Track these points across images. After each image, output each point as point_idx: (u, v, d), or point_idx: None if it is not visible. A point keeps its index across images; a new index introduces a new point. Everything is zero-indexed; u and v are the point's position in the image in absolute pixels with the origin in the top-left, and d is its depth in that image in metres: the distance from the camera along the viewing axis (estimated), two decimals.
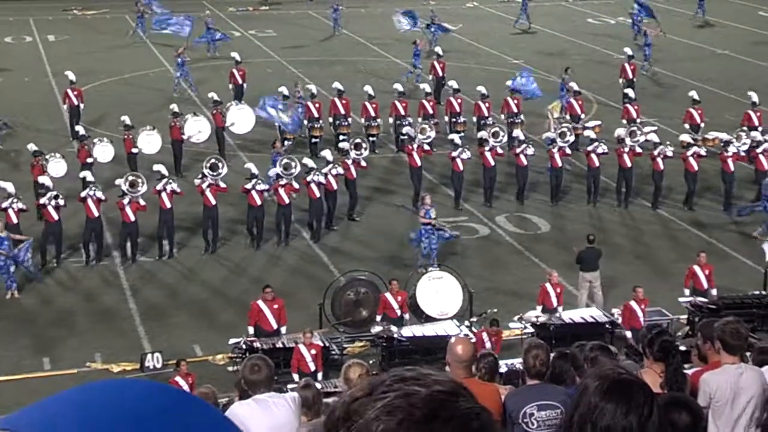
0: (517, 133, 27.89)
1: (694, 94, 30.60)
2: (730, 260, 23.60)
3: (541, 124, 30.73)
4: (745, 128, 28.31)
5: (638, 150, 26.70)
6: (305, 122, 29.76)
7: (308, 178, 24.47)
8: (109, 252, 23.92)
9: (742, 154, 26.90)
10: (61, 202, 23.03)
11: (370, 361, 16.44)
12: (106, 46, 43.78)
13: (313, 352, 17.98)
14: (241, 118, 30.67)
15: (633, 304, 19.20)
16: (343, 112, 29.99)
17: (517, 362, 13.98)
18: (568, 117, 30.53)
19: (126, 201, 23.09)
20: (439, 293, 20.73)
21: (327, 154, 25.62)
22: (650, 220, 26.24)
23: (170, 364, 18.17)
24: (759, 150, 26.99)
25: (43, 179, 24.00)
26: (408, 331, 19.22)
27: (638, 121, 29.62)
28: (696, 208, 26.56)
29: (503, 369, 14.88)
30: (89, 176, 24.08)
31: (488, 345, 17.78)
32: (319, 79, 35.34)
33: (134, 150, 27.45)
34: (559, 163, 26.82)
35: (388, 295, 19.95)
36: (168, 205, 23.60)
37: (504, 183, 27.54)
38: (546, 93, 31.57)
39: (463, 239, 24.29)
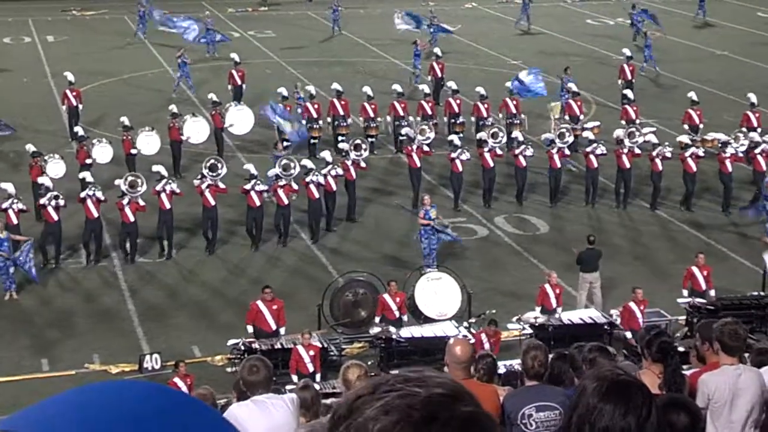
0: (516, 134, 27.89)
1: (693, 95, 30.60)
2: (729, 261, 23.61)
3: (540, 125, 30.76)
4: (743, 129, 28.34)
5: (637, 151, 26.72)
6: (304, 122, 29.75)
7: (307, 179, 24.48)
8: (108, 253, 23.93)
9: (740, 155, 26.92)
10: (62, 202, 23.03)
11: (369, 362, 16.49)
12: (105, 46, 43.77)
13: (312, 353, 17.98)
14: (240, 119, 30.68)
15: (632, 305, 19.21)
16: (342, 112, 30.00)
17: (516, 363, 13.99)
18: (567, 118, 30.55)
19: (125, 201, 23.09)
20: (438, 294, 20.74)
21: (326, 155, 25.62)
22: (649, 221, 26.25)
23: (169, 365, 18.18)
24: (757, 151, 27.00)
25: (42, 180, 24.01)
26: (406, 332, 19.22)
27: (637, 122, 29.64)
28: (694, 209, 26.58)
29: (502, 370, 14.91)
30: (89, 177, 24.08)
31: (487, 346, 17.78)
32: (318, 80, 35.35)
33: (133, 151, 27.45)
34: (558, 164, 26.83)
35: (386, 296, 19.95)
36: (167, 205, 23.60)
37: (503, 184, 27.55)
38: (546, 94, 31.61)
39: (462, 240, 24.29)
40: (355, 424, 1.85)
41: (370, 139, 29.12)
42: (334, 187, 25.12)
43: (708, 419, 7.23)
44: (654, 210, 26.65)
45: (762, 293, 20.78)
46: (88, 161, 26.05)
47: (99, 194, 23.18)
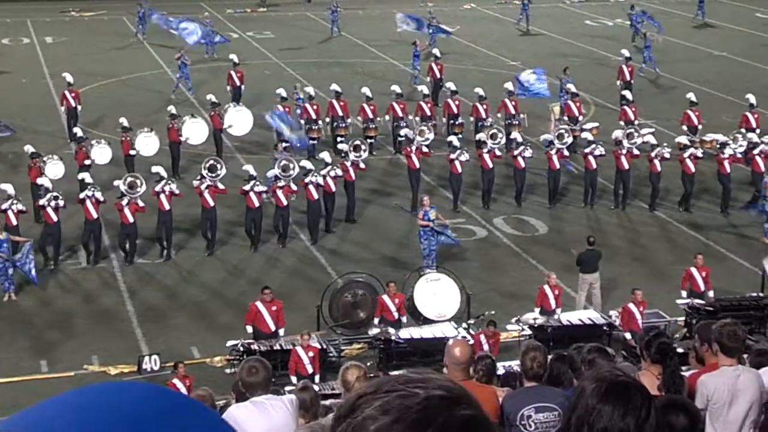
0: (515, 135, 27.89)
1: (691, 95, 30.60)
2: (728, 262, 23.62)
3: (539, 125, 30.76)
4: (742, 130, 28.35)
5: (636, 152, 26.72)
6: (302, 122, 29.78)
7: (306, 180, 24.48)
8: (107, 254, 23.92)
9: (739, 155, 26.94)
10: (61, 203, 23.00)
11: (368, 363, 16.47)
12: (103, 47, 43.75)
13: (311, 354, 17.97)
14: (238, 120, 30.68)
15: (632, 306, 19.21)
16: (341, 113, 30.01)
17: (515, 364, 14.00)
18: (566, 119, 30.56)
19: (125, 202, 23.08)
20: (437, 295, 20.74)
21: (325, 155, 25.62)
22: (647, 222, 26.26)
23: (168, 367, 18.17)
24: (755, 152, 27.00)
25: (42, 180, 24.00)
26: (406, 333, 19.22)
27: (636, 123, 29.64)
28: (693, 210, 26.59)
29: (501, 371, 14.92)
30: (88, 178, 24.06)
31: (486, 347, 17.77)
32: (317, 81, 35.37)
33: (132, 152, 27.44)
34: (557, 165, 26.83)
35: (385, 297, 19.95)
36: (167, 206, 23.59)
37: (502, 185, 27.55)
38: (550, 95, 31.64)
39: (461, 241, 24.28)
40: (354, 422, 1.86)
41: (369, 140, 29.13)
42: (334, 188, 25.12)
43: (707, 420, 7.23)
44: (653, 211, 26.66)
45: (761, 294, 20.78)
46: (87, 162, 26.05)
47: (98, 195, 23.17)
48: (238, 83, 33.95)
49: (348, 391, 7.99)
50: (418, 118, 29.82)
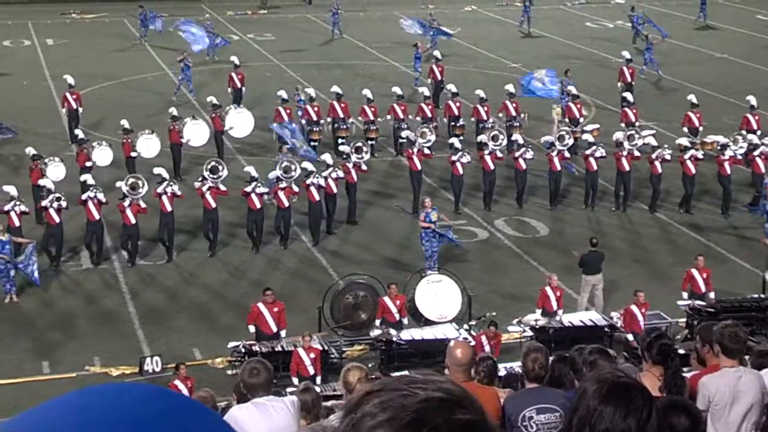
0: (516, 136, 27.89)
1: (692, 97, 30.60)
2: (728, 263, 23.61)
3: (540, 127, 30.78)
4: (742, 132, 28.35)
5: (636, 153, 26.73)
6: (303, 122, 29.79)
7: (308, 182, 24.49)
8: (109, 255, 23.93)
9: (739, 157, 26.94)
10: (63, 204, 23.01)
11: (369, 365, 16.46)
12: (104, 49, 43.78)
13: (312, 355, 17.97)
14: (239, 122, 30.70)
15: (634, 308, 19.21)
16: (342, 115, 30.03)
17: (516, 365, 13.99)
18: (567, 120, 30.57)
19: (126, 203, 23.09)
20: (438, 297, 20.74)
21: (327, 157, 25.62)
22: (648, 224, 26.25)
23: (169, 368, 18.17)
24: (756, 153, 27.01)
25: (44, 182, 24.01)
26: (407, 335, 19.22)
27: (637, 124, 29.64)
28: (694, 212, 26.59)
29: (502, 372, 14.91)
30: (90, 179, 24.07)
31: (487, 348, 17.79)
32: (318, 83, 35.38)
33: (133, 154, 27.45)
34: (558, 167, 26.82)
35: (386, 298, 19.95)
36: (168, 208, 23.59)
37: (503, 187, 27.55)
38: (556, 96, 31.66)
39: (462, 243, 24.28)
40: (355, 419, 1.86)
41: (370, 142, 29.14)
42: (335, 190, 25.12)
43: (708, 421, 7.22)
44: (653, 212, 26.65)
45: (762, 295, 20.77)
46: (88, 164, 26.07)
47: (100, 196, 23.18)
48: (239, 85, 33.97)
49: (349, 393, 7.99)
50: (419, 119, 29.83)
